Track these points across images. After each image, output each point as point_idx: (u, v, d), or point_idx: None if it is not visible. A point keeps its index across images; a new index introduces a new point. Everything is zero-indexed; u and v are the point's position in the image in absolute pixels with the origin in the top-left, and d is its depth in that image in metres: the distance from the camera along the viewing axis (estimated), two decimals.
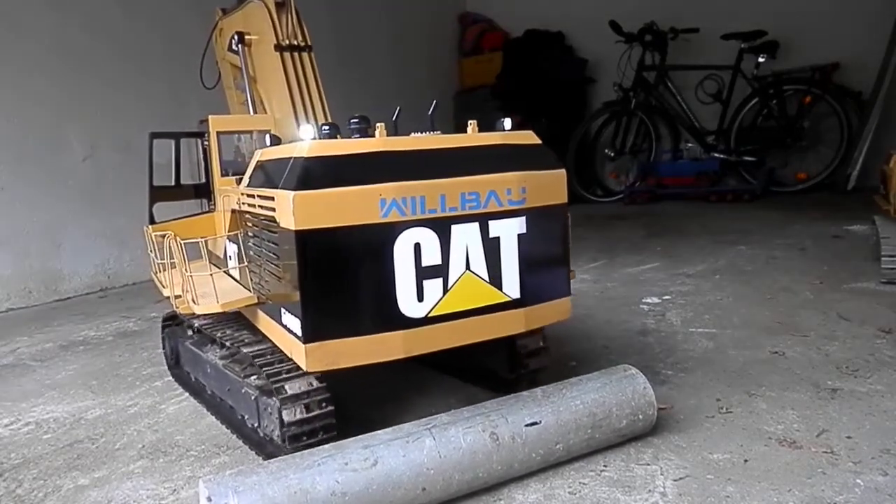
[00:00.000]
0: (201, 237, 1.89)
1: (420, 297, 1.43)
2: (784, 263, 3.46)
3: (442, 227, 1.44)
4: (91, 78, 4.23)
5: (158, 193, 2.33)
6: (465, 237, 1.47)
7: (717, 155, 6.08)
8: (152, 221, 2.27)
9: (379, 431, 1.41)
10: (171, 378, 2.40)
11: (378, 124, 1.47)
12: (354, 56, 5.97)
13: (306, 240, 1.35)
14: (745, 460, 1.54)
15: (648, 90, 6.32)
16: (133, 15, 4.42)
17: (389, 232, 1.39)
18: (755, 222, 4.70)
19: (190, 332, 2.19)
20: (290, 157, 1.42)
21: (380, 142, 1.44)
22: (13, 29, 3.89)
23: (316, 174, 1.36)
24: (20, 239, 3.96)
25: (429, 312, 1.45)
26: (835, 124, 5.61)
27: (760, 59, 5.82)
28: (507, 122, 1.62)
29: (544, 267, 1.62)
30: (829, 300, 2.75)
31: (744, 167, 6.00)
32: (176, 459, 1.78)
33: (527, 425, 1.47)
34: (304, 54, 2.21)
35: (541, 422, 1.48)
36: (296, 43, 2.20)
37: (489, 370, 1.94)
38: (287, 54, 2.18)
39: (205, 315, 1.85)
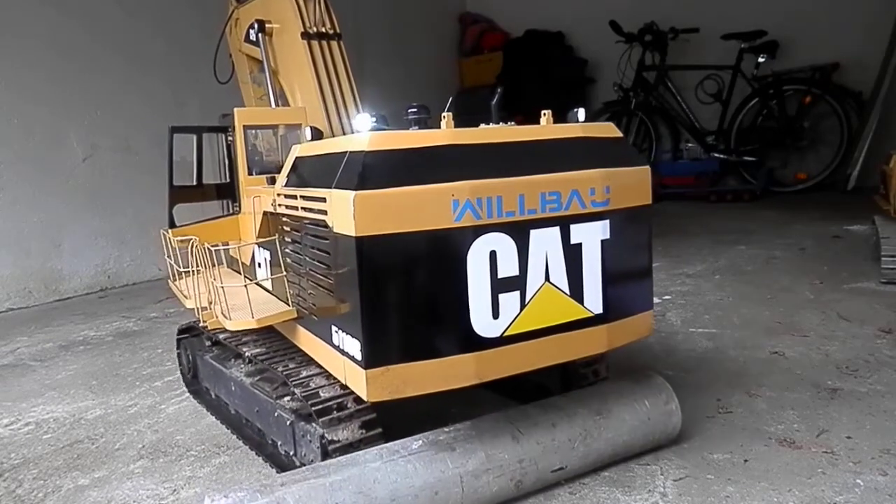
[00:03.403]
0: (226, 242, 1.74)
1: (495, 314, 1.26)
2: (784, 263, 3.46)
3: (520, 233, 1.27)
4: (91, 78, 4.23)
5: (179, 194, 2.15)
6: (545, 244, 1.30)
7: (717, 155, 6.07)
8: (172, 225, 2.08)
9: (409, 469, 1.30)
10: (171, 378, 2.39)
11: (444, 114, 1.31)
12: (354, 56, 5.95)
13: (369, 247, 1.18)
14: (745, 460, 1.54)
15: (648, 90, 6.32)
16: (133, 15, 4.42)
17: (463, 238, 1.22)
18: (755, 222, 4.70)
19: (209, 344, 2.05)
20: (346, 152, 1.26)
21: (449, 134, 1.26)
22: (13, 29, 3.89)
23: (379, 171, 1.19)
24: (20, 239, 3.96)
25: (504, 331, 1.27)
26: (835, 124, 5.61)
27: (760, 59, 5.82)
28: (582, 113, 1.45)
29: (628, 277, 1.45)
30: (829, 300, 2.75)
31: (744, 167, 6.00)
32: (176, 459, 1.77)
33: (553, 471, 1.43)
34: (333, 42, 2.07)
35: (566, 467, 1.45)
36: (324, 30, 2.06)
37: (539, 386, 1.75)
38: (315, 42, 2.04)
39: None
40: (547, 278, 1.31)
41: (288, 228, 1.54)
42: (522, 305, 1.29)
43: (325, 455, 1.39)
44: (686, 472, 1.50)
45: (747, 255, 3.70)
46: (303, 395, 1.45)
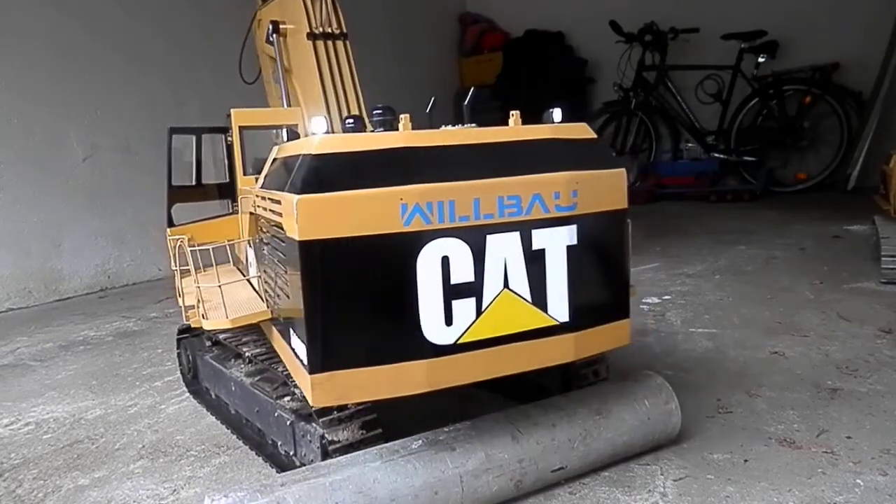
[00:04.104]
0: (223, 241, 1.77)
1: (448, 321, 1.23)
2: (784, 263, 3.46)
3: (475, 238, 1.23)
4: (91, 78, 4.23)
5: (178, 194, 2.17)
6: (504, 249, 1.26)
7: (717, 155, 6.07)
8: (171, 224, 2.10)
9: (409, 469, 1.30)
10: (171, 378, 2.39)
11: (403, 116, 1.28)
12: (354, 56, 5.97)
13: (312, 252, 1.17)
14: (745, 460, 1.54)
15: (648, 90, 6.32)
16: (134, 15, 4.43)
17: (411, 243, 1.19)
18: (755, 222, 4.70)
19: (209, 344, 2.06)
20: (299, 155, 1.25)
21: (403, 136, 1.24)
22: (13, 28, 3.89)
23: (325, 174, 1.18)
24: (20, 239, 3.97)
25: (458, 338, 1.24)
26: (835, 124, 5.61)
27: (760, 59, 5.82)
28: (558, 114, 1.40)
29: (599, 285, 1.40)
30: (829, 300, 2.75)
31: (744, 167, 6.00)
32: (176, 459, 1.77)
33: (553, 471, 1.43)
34: (339, 42, 2.05)
35: (566, 467, 1.45)
36: (329, 30, 2.04)
37: (539, 386, 1.74)
38: (320, 43, 2.02)
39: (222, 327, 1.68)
40: (506, 285, 1.27)
41: (263, 229, 1.54)
42: (479, 312, 1.25)
43: (325, 455, 1.39)
44: (686, 472, 1.50)
45: (747, 255, 3.70)
46: (303, 395, 1.44)
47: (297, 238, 1.17)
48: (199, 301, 1.65)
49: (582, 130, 1.41)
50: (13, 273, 3.93)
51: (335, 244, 1.17)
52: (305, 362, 1.23)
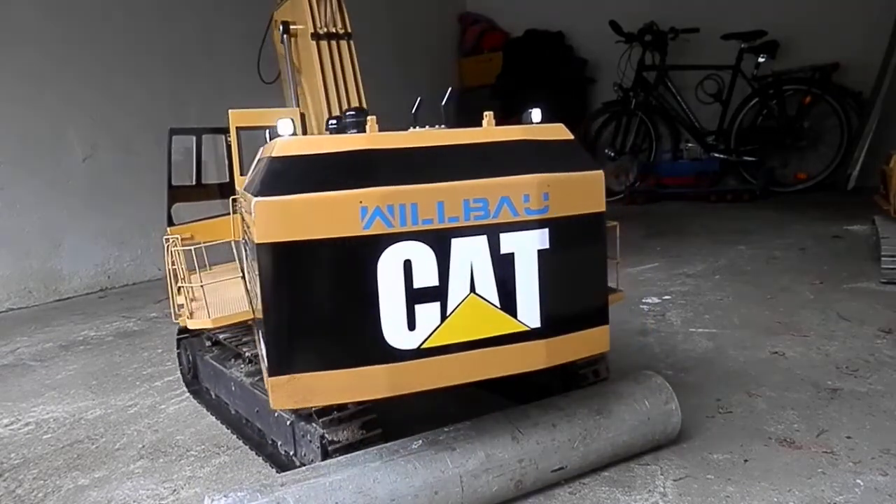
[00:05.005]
0: (208, 242, 1.78)
1: (411, 325, 1.21)
2: (784, 263, 3.46)
3: (439, 241, 1.21)
4: (91, 78, 4.23)
5: (178, 193, 2.19)
6: (470, 253, 1.23)
7: (717, 155, 6.07)
8: (171, 223, 2.12)
9: (409, 469, 1.30)
10: (171, 378, 2.40)
11: (370, 117, 1.27)
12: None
13: (269, 254, 1.16)
14: (745, 460, 1.54)
15: (648, 90, 6.31)
16: (134, 15, 4.42)
17: (371, 246, 1.17)
18: (755, 222, 4.70)
19: (209, 344, 2.06)
20: (264, 157, 1.26)
21: (366, 138, 1.23)
22: (13, 28, 3.89)
23: (284, 177, 1.17)
24: (20, 239, 3.97)
25: (422, 343, 1.22)
26: (835, 124, 5.60)
27: (760, 59, 5.81)
28: (537, 114, 1.38)
29: (574, 290, 1.36)
30: (829, 300, 2.75)
31: (744, 167, 5.99)
32: (176, 459, 1.77)
33: (553, 471, 1.44)
34: (343, 42, 2.05)
35: (566, 467, 1.45)
36: (333, 30, 2.05)
37: (539, 386, 1.72)
38: (323, 43, 2.02)
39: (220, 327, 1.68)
40: (473, 289, 1.24)
41: (244, 230, 1.55)
42: (444, 317, 1.23)
43: (325, 455, 1.39)
44: (686, 472, 1.50)
45: (747, 255, 3.70)
46: None
47: (255, 241, 1.17)
48: (186, 300, 1.66)
49: (557, 132, 1.38)
50: (13, 273, 3.93)
51: (293, 247, 1.16)
52: (266, 364, 1.22)
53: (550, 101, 6.81)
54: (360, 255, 1.18)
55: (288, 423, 1.53)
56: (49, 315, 3.69)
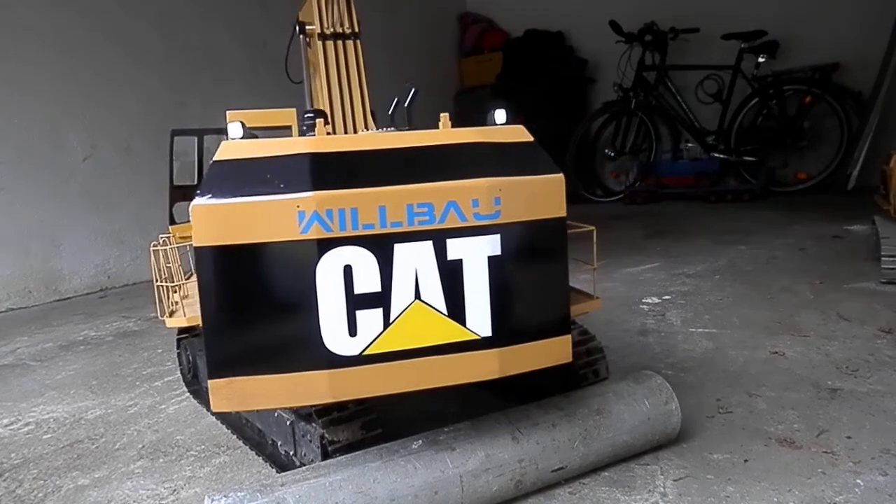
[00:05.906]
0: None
1: (352, 332, 1.20)
2: (784, 263, 3.46)
3: (381, 247, 1.19)
4: (91, 77, 4.23)
5: (179, 193, 2.24)
6: (414, 259, 1.21)
7: (717, 155, 6.07)
8: (172, 222, 2.16)
9: (409, 469, 1.30)
10: (171, 378, 2.40)
11: (318, 120, 1.25)
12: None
13: (205, 259, 1.16)
14: (745, 460, 1.54)
15: (648, 90, 6.31)
16: (134, 14, 4.43)
17: (310, 251, 1.16)
18: (755, 222, 4.70)
19: None
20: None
21: (310, 142, 1.21)
22: (13, 27, 3.89)
23: (222, 181, 1.16)
24: (20, 239, 3.97)
25: (364, 350, 1.20)
26: (835, 124, 5.60)
27: (760, 59, 5.81)
28: (501, 115, 1.35)
29: (530, 298, 1.31)
30: (829, 300, 2.75)
31: (744, 167, 5.99)
32: (176, 459, 1.78)
33: (553, 471, 1.44)
34: (349, 42, 2.05)
35: (566, 467, 1.45)
36: (341, 30, 2.05)
37: (539, 387, 1.69)
38: (329, 43, 2.02)
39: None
40: (417, 296, 1.22)
41: None
42: (387, 324, 1.21)
43: (325, 455, 1.39)
44: (686, 472, 1.50)
45: (747, 255, 3.70)
46: None
47: (192, 243, 1.17)
48: (166, 298, 1.69)
49: (516, 133, 1.34)
50: (13, 273, 3.94)
51: (230, 251, 1.16)
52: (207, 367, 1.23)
53: (550, 100, 6.85)
54: (298, 259, 1.17)
55: (288, 422, 1.53)
56: (49, 315, 3.69)
